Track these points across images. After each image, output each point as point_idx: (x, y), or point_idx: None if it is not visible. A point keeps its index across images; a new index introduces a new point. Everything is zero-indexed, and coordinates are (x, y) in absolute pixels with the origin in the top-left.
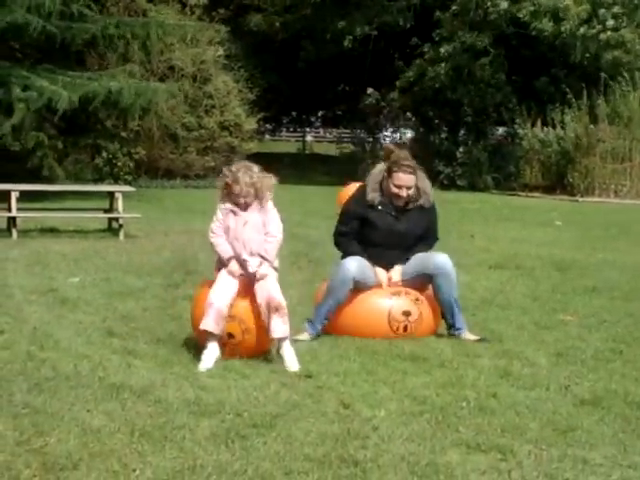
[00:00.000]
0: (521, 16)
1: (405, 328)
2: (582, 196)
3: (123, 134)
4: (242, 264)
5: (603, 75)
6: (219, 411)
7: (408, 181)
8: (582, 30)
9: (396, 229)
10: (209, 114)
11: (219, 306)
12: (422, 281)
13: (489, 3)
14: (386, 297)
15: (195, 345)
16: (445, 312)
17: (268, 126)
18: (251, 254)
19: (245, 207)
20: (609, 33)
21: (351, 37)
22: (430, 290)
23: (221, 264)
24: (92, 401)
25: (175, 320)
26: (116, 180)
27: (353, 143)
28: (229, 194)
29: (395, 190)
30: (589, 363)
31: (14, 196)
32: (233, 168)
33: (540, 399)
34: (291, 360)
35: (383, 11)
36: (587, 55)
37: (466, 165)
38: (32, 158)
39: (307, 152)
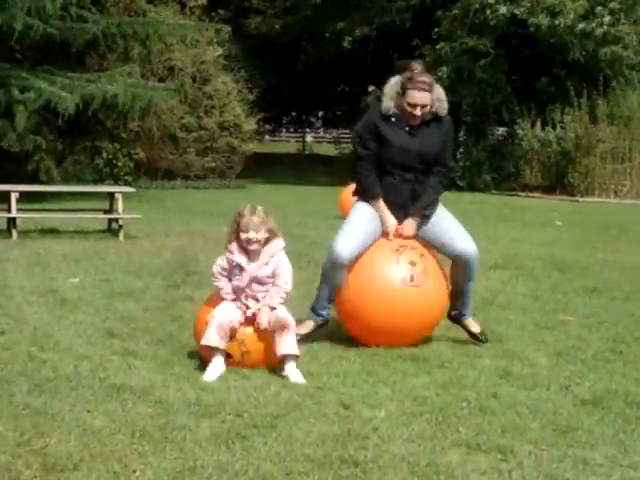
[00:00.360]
0: (518, 13)
1: (412, 278)
2: (582, 196)
3: (123, 135)
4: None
5: (605, 74)
6: (220, 412)
7: (423, 99)
8: (580, 26)
9: (411, 146)
10: (209, 115)
11: (221, 320)
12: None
13: (488, 11)
14: (391, 250)
15: (196, 346)
16: (455, 296)
17: (268, 127)
18: (255, 300)
19: (255, 256)
20: (605, 28)
21: (350, 38)
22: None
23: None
24: (93, 402)
25: (176, 321)
26: (116, 181)
27: (351, 142)
28: (238, 238)
29: (409, 109)
30: (589, 363)
31: (14, 197)
32: (246, 212)
33: (540, 399)
34: (296, 376)
35: (382, 12)
36: (584, 53)
37: (466, 166)
38: (30, 161)
39: (307, 152)
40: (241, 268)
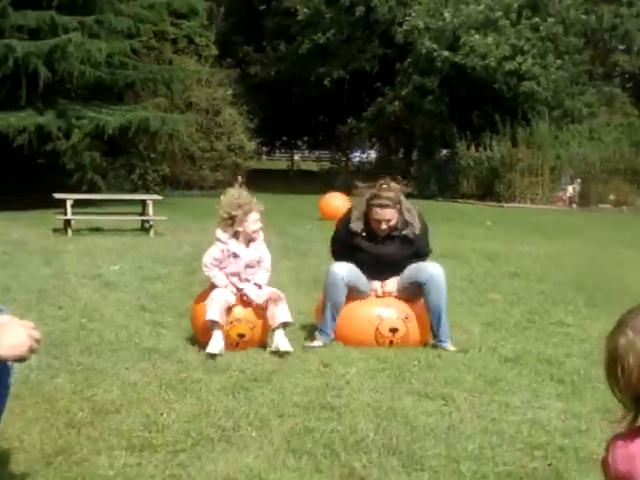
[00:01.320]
0: (457, 60)
1: (390, 343)
2: (506, 202)
3: (152, 155)
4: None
5: (522, 109)
6: (227, 369)
7: (386, 215)
8: (506, 67)
9: (383, 252)
10: (219, 139)
11: (220, 301)
12: (414, 290)
13: (435, 54)
14: (376, 312)
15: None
16: (432, 319)
17: (264, 148)
18: (246, 280)
19: (247, 244)
20: (530, 64)
21: (329, 79)
22: (422, 302)
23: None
24: (130, 361)
25: (193, 298)
26: (147, 190)
27: (330, 162)
28: (237, 227)
29: (375, 224)
30: (511, 330)
31: (69, 203)
32: (244, 201)
33: (474, 358)
34: (283, 342)
35: (354, 59)
36: (507, 87)
37: (418, 178)
38: (83, 175)
39: (295, 169)
40: (236, 255)
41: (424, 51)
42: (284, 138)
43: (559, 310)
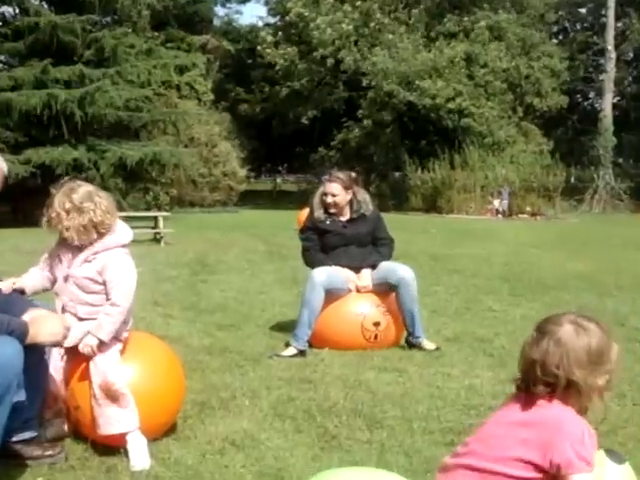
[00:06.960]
0: (412, 99)
1: (376, 337)
2: (446, 214)
3: (162, 180)
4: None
5: (459, 140)
6: (225, 351)
7: (332, 189)
8: (449, 105)
9: (346, 232)
10: (216, 167)
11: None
12: (386, 289)
13: (394, 93)
14: (358, 309)
15: (212, 309)
16: (405, 319)
17: (252, 173)
18: (78, 319)
19: (75, 251)
20: (467, 104)
21: (305, 117)
22: (394, 302)
23: None
24: None
25: (196, 295)
26: (159, 208)
27: (306, 183)
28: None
29: (324, 197)
30: (451, 315)
31: None
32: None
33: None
34: (138, 456)
35: (324, 100)
36: (450, 122)
37: (377, 195)
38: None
39: (277, 189)
40: (60, 260)
41: (385, 90)
42: (268, 165)
43: (488, 299)
